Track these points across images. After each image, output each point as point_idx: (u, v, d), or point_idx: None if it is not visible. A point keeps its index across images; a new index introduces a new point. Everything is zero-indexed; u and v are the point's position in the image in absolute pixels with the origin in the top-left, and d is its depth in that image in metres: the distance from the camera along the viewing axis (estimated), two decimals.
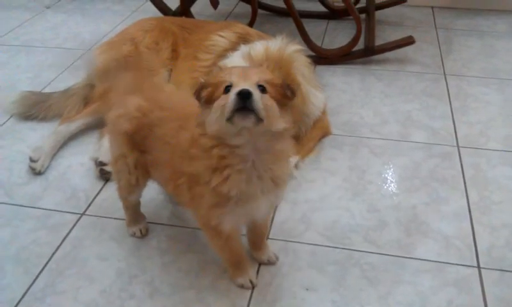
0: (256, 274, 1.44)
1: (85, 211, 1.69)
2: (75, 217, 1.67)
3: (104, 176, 1.81)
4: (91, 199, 1.74)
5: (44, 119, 2.12)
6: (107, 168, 1.78)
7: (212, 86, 1.13)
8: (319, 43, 2.65)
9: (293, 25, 2.53)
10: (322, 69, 2.51)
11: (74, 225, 1.63)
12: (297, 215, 1.66)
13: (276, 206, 1.67)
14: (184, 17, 2.60)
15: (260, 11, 2.80)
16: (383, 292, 1.39)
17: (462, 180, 1.79)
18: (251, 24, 2.51)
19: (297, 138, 1.91)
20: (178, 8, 2.76)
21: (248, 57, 1.79)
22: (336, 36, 2.86)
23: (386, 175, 1.82)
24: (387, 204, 1.70)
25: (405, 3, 2.99)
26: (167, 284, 1.43)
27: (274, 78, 1.14)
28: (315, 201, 1.72)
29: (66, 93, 2.14)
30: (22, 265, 1.50)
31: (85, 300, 1.39)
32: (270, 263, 1.47)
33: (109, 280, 1.44)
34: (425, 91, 2.33)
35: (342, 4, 2.53)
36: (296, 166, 1.84)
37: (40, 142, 1.96)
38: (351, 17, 2.58)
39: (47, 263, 1.50)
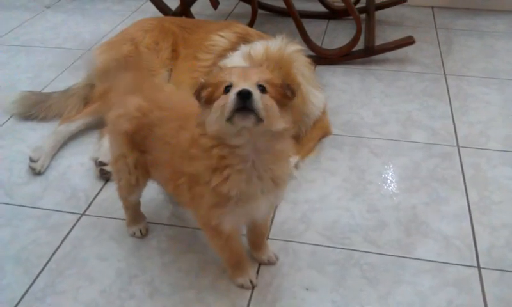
0: (256, 274, 1.44)
1: (85, 211, 1.69)
2: (75, 217, 1.67)
3: (104, 176, 1.81)
4: (91, 199, 1.74)
5: (44, 119, 2.12)
6: (107, 168, 1.78)
7: (212, 86, 1.13)
8: (319, 43, 2.65)
9: (293, 25, 2.53)
10: (322, 69, 2.51)
11: (74, 225, 1.63)
12: (297, 215, 1.66)
13: (276, 206, 1.67)
14: (183, 17, 2.60)
15: (260, 11, 2.80)
16: (383, 292, 1.39)
17: (462, 180, 1.79)
18: (251, 24, 2.51)
19: (297, 138, 1.91)
20: (178, 8, 2.76)
21: (248, 57, 1.79)
22: (336, 36, 2.86)
23: (386, 175, 1.82)
24: (387, 204, 1.70)
25: (405, 3, 2.99)
26: (167, 284, 1.43)
27: (274, 78, 1.14)
28: (315, 201, 1.72)
29: (66, 93, 2.14)
30: (22, 265, 1.50)
31: (85, 300, 1.39)
32: (270, 263, 1.48)
33: (109, 280, 1.44)
34: (425, 91, 2.33)
35: (342, 4, 2.52)
36: (296, 166, 1.84)
37: (40, 142, 1.96)
38: (351, 17, 2.58)
39: (47, 263, 1.50)
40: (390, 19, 3.06)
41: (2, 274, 1.47)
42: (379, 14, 2.96)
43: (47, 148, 1.92)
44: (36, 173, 1.85)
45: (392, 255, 1.50)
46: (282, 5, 2.65)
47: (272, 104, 1.10)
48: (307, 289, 1.41)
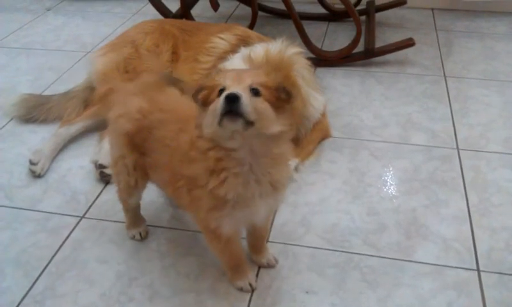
0: (255, 277, 1.44)
1: (85, 214, 1.69)
2: (75, 219, 1.67)
3: (104, 179, 1.81)
4: (91, 202, 1.74)
5: (44, 121, 2.13)
6: (107, 171, 1.78)
7: (208, 88, 1.14)
8: (319, 45, 2.65)
9: (293, 27, 2.53)
10: (322, 71, 2.51)
11: (74, 228, 1.63)
12: (297, 218, 1.66)
13: (276, 210, 1.67)
14: (184, 19, 2.61)
15: (260, 13, 2.80)
16: (383, 295, 1.39)
17: (462, 182, 1.79)
18: (251, 26, 2.51)
19: (297, 140, 1.91)
20: (178, 11, 2.77)
21: (248, 60, 1.79)
22: (337, 38, 2.87)
23: (386, 178, 1.82)
24: (387, 207, 1.69)
25: (405, 5, 3.00)
26: (167, 287, 1.43)
27: (269, 81, 1.14)
28: (315, 204, 1.72)
29: (67, 95, 2.15)
30: (22, 267, 1.50)
31: (84, 303, 1.39)
32: (269, 266, 1.47)
33: (109, 283, 1.44)
34: (425, 93, 2.33)
35: (342, 6, 2.52)
36: (296, 169, 1.84)
37: (40, 144, 1.97)
38: (351, 19, 2.58)
39: (46, 266, 1.50)
40: (390, 21, 3.06)
41: (1, 277, 1.47)
42: (379, 16, 2.97)
43: (47, 151, 1.92)
44: (36, 175, 1.85)
45: (392, 258, 1.50)
46: (282, 7, 2.65)
47: (266, 107, 1.10)
48: (307, 292, 1.41)
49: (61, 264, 1.51)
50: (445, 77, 2.46)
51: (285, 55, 1.79)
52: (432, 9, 3.20)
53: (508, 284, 1.41)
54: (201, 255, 1.52)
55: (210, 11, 2.60)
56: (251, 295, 1.40)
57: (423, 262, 1.49)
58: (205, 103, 1.14)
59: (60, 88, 2.27)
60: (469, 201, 1.70)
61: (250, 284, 1.40)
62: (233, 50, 2.01)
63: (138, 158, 1.39)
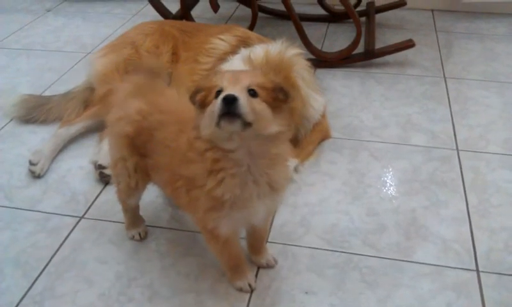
0: (255, 278, 1.44)
1: (84, 214, 1.69)
2: (75, 220, 1.67)
3: (104, 179, 1.81)
4: (90, 202, 1.74)
5: (44, 122, 2.13)
6: (107, 171, 1.78)
7: (205, 90, 1.14)
8: (319, 47, 2.66)
9: (293, 29, 2.53)
10: (322, 72, 2.51)
11: (73, 228, 1.63)
12: (297, 219, 1.66)
13: (276, 210, 1.66)
14: (184, 21, 2.61)
15: (260, 14, 2.81)
16: (382, 296, 1.39)
17: (461, 183, 1.79)
18: (251, 27, 2.51)
19: (297, 141, 1.91)
20: (178, 12, 2.77)
21: (248, 61, 1.79)
22: (336, 39, 2.87)
23: (385, 178, 1.82)
24: (386, 207, 1.69)
25: (405, 6, 3.00)
26: (166, 288, 1.43)
27: (266, 82, 1.14)
28: (315, 204, 1.72)
29: (66, 96, 2.15)
30: (21, 268, 1.50)
31: (84, 304, 1.39)
32: (269, 266, 1.47)
33: (108, 283, 1.44)
34: (425, 94, 2.33)
35: (342, 7, 2.53)
36: (296, 169, 1.84)
37: (40, 145, 1.97)
38: (351, 20, 2.58)
39: (45, 266, 1.50)
40: (390, 22, 3.06)
41: (1, 277, 1.47)
42: (379, 17, 2.97)
43: (47, 151, 1.92)
44: (36, 176, 1.85)
45: (391, 259, 1.50)
46: (282, 8, 2.65)
47: (263, 108, 1.10)
48: (306, 292, 1.41)
49: (60, 264, 1.51)
50: (444, 78, 2.46)
51: (285, 57, 1.79)
52: (432, 11, 3.21)
53: (507, 285, 1.41)
54: (201, 255, 1.52)
55: (210, 12, 2.60)
56: (251, 296, 1.39)
57: (422, 263, 1.49)
58: (202, 105, 1.14)
59: (60, 89, 2.28)
60: (468, 202, 1.70)
61: (249, 285, 1.40)
62: (233, 51, 2.01)
63: (139, 161, 1.39)
